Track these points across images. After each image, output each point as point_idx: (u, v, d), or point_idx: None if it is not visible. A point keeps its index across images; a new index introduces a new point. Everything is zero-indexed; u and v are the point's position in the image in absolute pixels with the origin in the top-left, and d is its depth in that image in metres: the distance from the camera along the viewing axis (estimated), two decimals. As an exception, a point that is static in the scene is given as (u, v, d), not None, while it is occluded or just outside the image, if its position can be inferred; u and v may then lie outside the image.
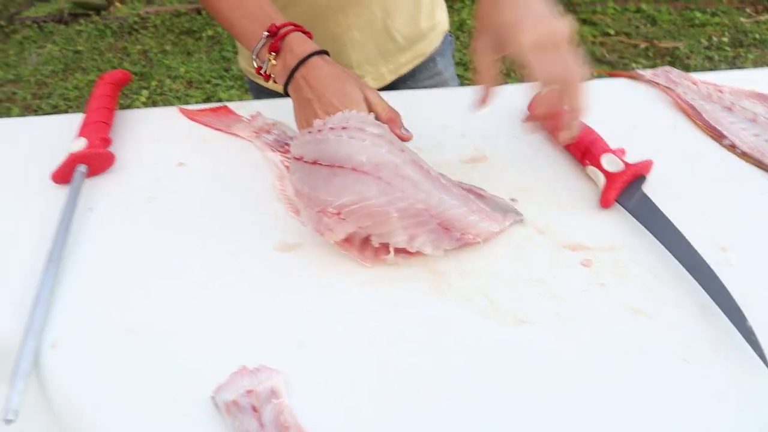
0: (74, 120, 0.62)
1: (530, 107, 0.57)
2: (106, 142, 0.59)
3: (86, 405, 0.40)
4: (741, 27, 2.63)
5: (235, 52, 2.66)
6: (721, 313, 0.43)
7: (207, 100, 2.29)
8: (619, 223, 0.51)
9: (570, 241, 0.49)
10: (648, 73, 0.69)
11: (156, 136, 0.62)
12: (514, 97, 0.58)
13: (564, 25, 0.46)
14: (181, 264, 0.49)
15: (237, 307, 0.45)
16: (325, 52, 0.55)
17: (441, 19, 0.81)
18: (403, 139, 0.52)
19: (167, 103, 2.31)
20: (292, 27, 0.55)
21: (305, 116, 0.53)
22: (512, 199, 0.53)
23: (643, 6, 2.77)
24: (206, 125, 0.63)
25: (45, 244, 0.50)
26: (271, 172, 0.57)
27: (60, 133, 0.61)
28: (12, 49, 2.88)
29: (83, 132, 0.59)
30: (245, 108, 0.65)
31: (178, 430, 0.38)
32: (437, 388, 0.40)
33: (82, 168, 0.56)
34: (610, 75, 0.71)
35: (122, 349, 0.43)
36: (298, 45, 0.54)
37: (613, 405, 0.39)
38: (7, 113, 2.39)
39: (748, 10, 2.76)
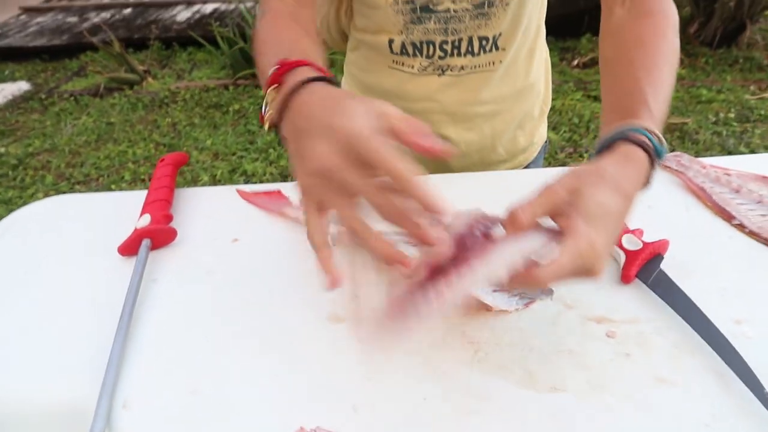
0: (138, 196, 0.69)
1: None
2: (168, 218, 0.66)
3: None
4: (746, 103, 2.73)
5: (260, 126, 2.82)
6: (739, 381, 0.46)
7: (232, 171, 2.40)
8: (639, 298, 0.55)
9: (595, 314, 0.54)
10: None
11: (213, 213, 0.69)
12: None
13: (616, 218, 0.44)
14: (241, 332, 0.53)
15: (294, 372, 0.49)
16: (332, 80, 0.44)
17: (542, 132, 0.90)
18: (429, 153, 0.38)
19: (194, 174, 2.42)
20: (305, 62, 0.45)
21: (298, 152, 0.40)
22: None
23: (650, 83, 2.90)
24: (260, 207, 0.69)
25: (115, 311, 0.55)
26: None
27: (125, 209, 0.68)
28: (49, 120, 3.05)
29: (147, 209, 0.66)
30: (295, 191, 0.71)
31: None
32: (480, 451, 0.43)
33: (146, 242, 0.62)
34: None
35: (189, 410, 0.47)
36: (300, 75, 0.43)
37: (644, 469, 0.42)
38: (41, 180, 2.51)
39: (752, 87, 2.88)
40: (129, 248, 0.62)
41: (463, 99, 0.77)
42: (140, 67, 3.38)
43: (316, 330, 0.53)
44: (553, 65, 2.15)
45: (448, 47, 0.73)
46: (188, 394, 0.48)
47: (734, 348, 0.49)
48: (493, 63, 0.75)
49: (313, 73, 0.44)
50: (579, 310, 0.54)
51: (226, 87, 3.18)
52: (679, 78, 2.91)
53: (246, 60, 3.11)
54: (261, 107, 0.47)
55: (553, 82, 0.91)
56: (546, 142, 0.92)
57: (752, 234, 0.63)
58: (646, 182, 0.49)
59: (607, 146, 0.49)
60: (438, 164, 0.79)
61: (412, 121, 0.38)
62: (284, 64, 0.45)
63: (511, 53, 0.75)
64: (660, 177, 0.72)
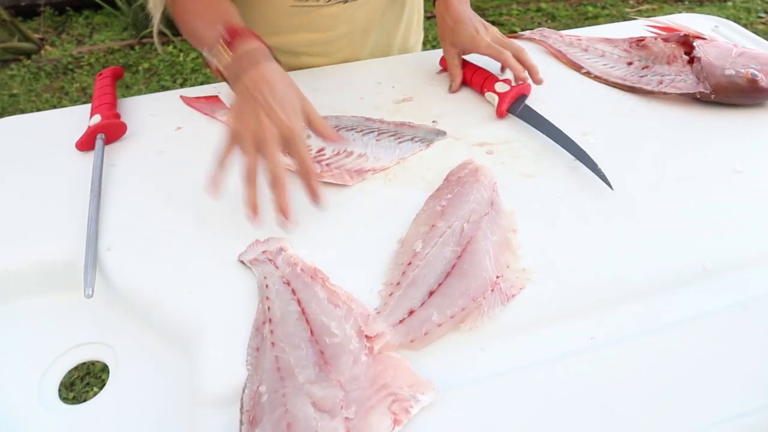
0: (83, 109, 0.78)
1: (441, 62, 0.81)
2: (117, 116, 0.75)
3: (144, 285, 0.55)
4: (627, 16, 3.00)
5: (173, 81, 2.80)
6: (585, 167, 0.64)
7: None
8: (510, 127, 0.72)
9: (477, 141, 0.69)
10: (527, 33, 0.92)
11: (155, 111, 0.78)
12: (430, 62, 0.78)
13: (493, 28, 0.78)
14: (196, 188, 0.65)
15: (239, 209, 0.62)
16: (276, 59, 0.61)
17: (416, 42, 1.02)
18: (332, 138, 0.58)
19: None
20: (250, 32, 0.61)
21: (241, 110, 0.56)
22: (434, 122, 0.73)
23: (543, 5, 3.11)
24: (198, 110, 0.78)
25: (84, 189, 0.65)
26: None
27: (73, 120, 0.76)
28: None
29: (96, 111, 0.75)
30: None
31: (221, 283, 0.54)
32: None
33: (101, 136, 0.72)
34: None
35: (168, 242, 0.59)
36: (252, 47, 0.60)
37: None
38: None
39: (631, 1, 3.16)
40: (85, 143, 0.71)
41: (369, 19, 0.88)
42: (35, 36, 3.23)
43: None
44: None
45: None
46: (162, 233, 0.60)
47: (580, 147, 0.65)
48: None
49: (263, 51, 0.60)
50: (465, 139, 0.70)
51: (131, 47, 3.11)
52: (568, -1, 3.14)
53: (147, 19, 3.03)
54: (202, 55, 0.66)
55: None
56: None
57: (597, 78, 0.81)
58: None
59: None
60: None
61: (325, 126, 0.58)
62: (232, 31, 0.61)
63: None
64: (527, 46, 0.88)
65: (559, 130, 0.68)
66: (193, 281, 0.55)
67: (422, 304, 0.49)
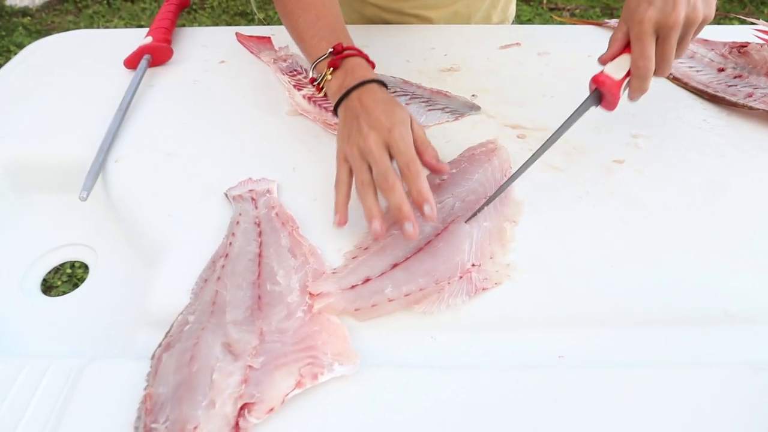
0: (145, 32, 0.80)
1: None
2: (168, 41, 0.76)
3: (134, 199, 0.56)
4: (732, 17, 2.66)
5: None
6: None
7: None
8: (553, 112, 0.64)
9: (511, 122, 0.63)
10: (612, 21, 0.82)
11: (206, 43, 0.79)
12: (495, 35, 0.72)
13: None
14: (213, 119, 0.65)
15: (251, 147, 0.61)
16: (384, 83, 0.56)
17: (511, 12, 0.95)
18: (433, 170, 0.51)
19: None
20: (356, 52, 0.57)
21: (349, 130, 0.52)
22: (473, 95, 0.67)
23: None
24: (246, 47, 0.78)
25: (119, 103, 0.67)
26: (280, 86, 0.71)
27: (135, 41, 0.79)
28: (83, 21, 3.16)
29: (150, 33, 0.77)
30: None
31: (200, 212, 0.54)
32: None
33: (147, 57, 0.73)
34: (584, 23, 0.84)
35: (164, 164, 0.59)
36: (359, 69, 0.56)
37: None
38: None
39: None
40: (133, 62, 0.73)
41: None
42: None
43: (276, 122, 0.64)
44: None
45: None
46: (166, 156, 0.60)
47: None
48: None
49: (368, 70, 0.57)
50: (499, 119, 0.64)
51: (253, -3, 3.23)
52: None
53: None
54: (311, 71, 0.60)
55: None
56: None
57: (676, 80, 0.71)
58: None
59: None
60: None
61: (426, 143, 0.52)
62: (339, 50, 0.57)
63: None
64: (605, 33, 0.79)
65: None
66: (176, 205, 0.54)
67: (381, 274, 0.45)
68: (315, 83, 0.59)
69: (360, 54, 0.57)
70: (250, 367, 0.38)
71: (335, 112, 0.56)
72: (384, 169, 0.48)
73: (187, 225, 0.52)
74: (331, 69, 0.56)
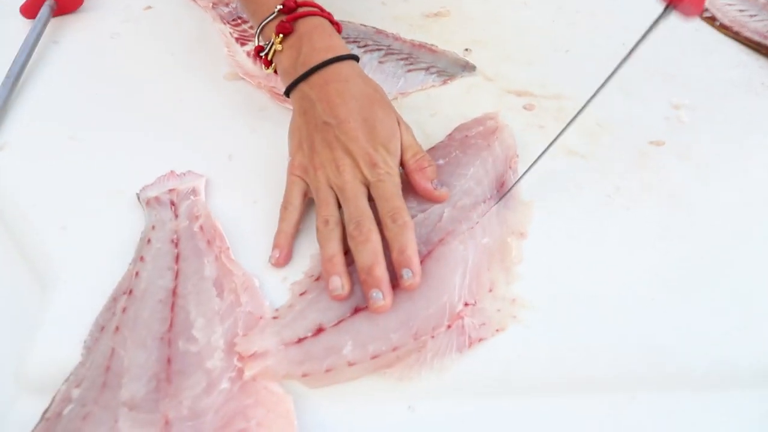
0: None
1: None
2: (76, -19, 0.60)
3: (20, 204, 0.42)
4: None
5: None
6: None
7: None
8: (571, 74, 0.50)
9: (516, 87, 0.49)
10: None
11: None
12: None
13: None
14: (134, 89, 0.50)
15: (177, 125, 0.47)
16: (355, 57, 0.42)
17: None
18: (430, 198, 0.39)
19: None
20: (317, 9, 0.43)
21: (310, 140, 0.39)
22: (466, 49, 0.53)
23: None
24: None
25: (5, 67, 0.51)
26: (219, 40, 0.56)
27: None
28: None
29: (56, -29, 0.60)
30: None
31: (105, 221, 0.40)
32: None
33: (50, 2, 0.57)
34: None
35: (65, 153, 0.45)
36: (319, 36, 0.41)
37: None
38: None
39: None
40: (30, 10, 0.57)
41: None
42: None
43: (210, 87, 0.50)
44: None
45: None
46: (66, 140, 0.46)
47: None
48: None
49: (334, 37, 0.41)
50: (499, 82, 0.50)
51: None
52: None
53: None
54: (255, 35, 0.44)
55: None
56: None
57: (723, 28, 0.56)
58: None
59: None
60: None
61: (422, 159, 0.39)
62: (291, 7, 0.42)
63: None
64: None
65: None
66: (73, 213, 0.41)
67: (338, 322, 0.33)
68: (262, 54, 0.44)
69: (320, 12, 0.43)
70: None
71: (288, 94, 0.42)
72: (358, 213, 0.35)
73: (84, 243, 0.39)
74: (281, 36, 0.42)
